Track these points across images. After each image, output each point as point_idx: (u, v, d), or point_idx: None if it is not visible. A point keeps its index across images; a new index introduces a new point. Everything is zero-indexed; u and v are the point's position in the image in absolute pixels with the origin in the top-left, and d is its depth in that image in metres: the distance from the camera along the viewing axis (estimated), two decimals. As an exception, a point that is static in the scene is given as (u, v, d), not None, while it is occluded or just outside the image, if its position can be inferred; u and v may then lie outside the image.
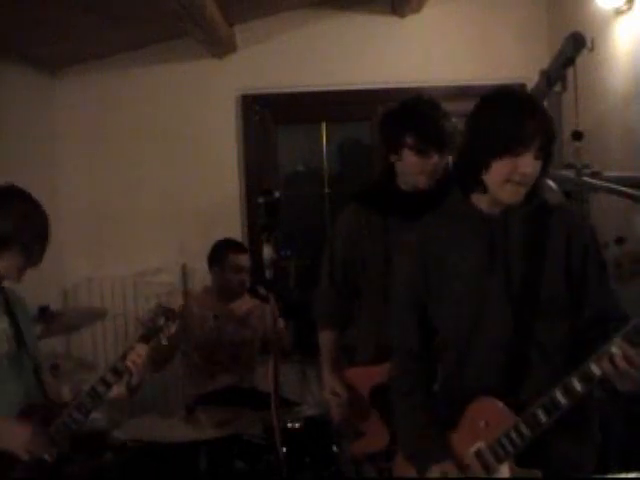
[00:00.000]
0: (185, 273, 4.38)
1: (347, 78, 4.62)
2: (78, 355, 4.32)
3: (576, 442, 1.91)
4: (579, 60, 3.19)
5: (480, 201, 1.97)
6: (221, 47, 4.52)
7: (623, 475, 1.84)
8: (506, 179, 1.86)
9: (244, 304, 3.86)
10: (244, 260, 3.84)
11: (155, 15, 3.88)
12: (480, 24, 4.61)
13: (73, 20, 3.75)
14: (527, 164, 1.85)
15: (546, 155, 1.90)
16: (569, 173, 3.11)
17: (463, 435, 1.92)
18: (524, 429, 1.80)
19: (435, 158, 2.45)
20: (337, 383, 2.64)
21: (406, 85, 4.59)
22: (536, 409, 1.78)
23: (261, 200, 2.21)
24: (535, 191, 1.94)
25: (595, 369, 1.70)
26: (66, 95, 4.60)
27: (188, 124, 4.62)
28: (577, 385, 1.72)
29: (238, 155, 4.69)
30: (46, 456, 2.29)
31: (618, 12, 3.51)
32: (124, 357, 2.35)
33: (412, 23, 4.65)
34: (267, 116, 4.73)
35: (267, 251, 2.17)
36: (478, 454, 1.88)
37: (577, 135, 3.18)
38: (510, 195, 1.89)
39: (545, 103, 3.55)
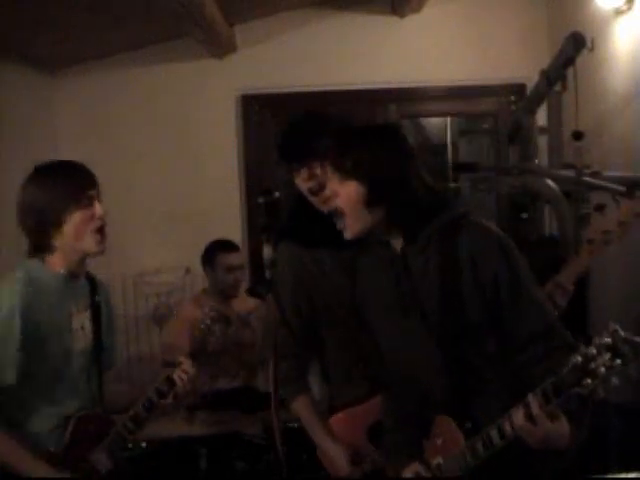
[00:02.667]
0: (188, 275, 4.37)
1: (347, 78, 4.62)
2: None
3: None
4: (579, 60, 3.20)
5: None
6: (221, 47, 4.52)
7: (623, 475, 1.84)
8: None
9: (243, 304, 3.85)
10: (234, 259, 3.79)
11: (155, 15, 3.88)
12: (480, 24, 4.61)
13: (73, 20, 3.75)
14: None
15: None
16: (569, 173, 3.12)
17: (428, 450, 1.92)
18: (469, 457, 1.77)
19: (304, 173, 2.23)
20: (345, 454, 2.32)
21: (406, 85, 4.60)
22: (476, 441, 1.74)
23: (261, 200, 2.18)
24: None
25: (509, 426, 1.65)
26: (66, 95, 4.60)
27: (188, 124, 4.63)
28: (507, 428, 1.65)
29: (238, 155, 4.69)
30: (102, 468, 2.29)
31: (618, 12, 3.50)
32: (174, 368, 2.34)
33: (412, 23, 4.66)
34: (267, 116, 4.73)
35: (267, 251, 2.15)
36: (438, 467, 1.87)
37: (577, 135, 3.19)
38: None
39: (545, 103, 3.58)
